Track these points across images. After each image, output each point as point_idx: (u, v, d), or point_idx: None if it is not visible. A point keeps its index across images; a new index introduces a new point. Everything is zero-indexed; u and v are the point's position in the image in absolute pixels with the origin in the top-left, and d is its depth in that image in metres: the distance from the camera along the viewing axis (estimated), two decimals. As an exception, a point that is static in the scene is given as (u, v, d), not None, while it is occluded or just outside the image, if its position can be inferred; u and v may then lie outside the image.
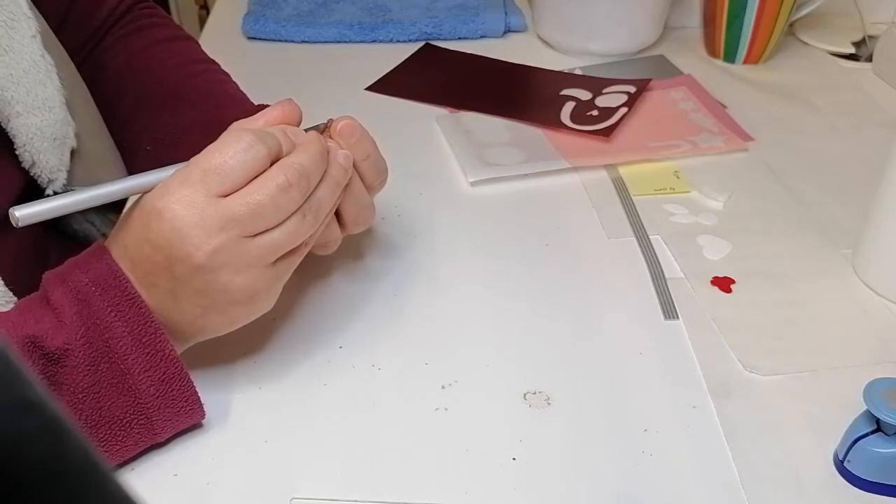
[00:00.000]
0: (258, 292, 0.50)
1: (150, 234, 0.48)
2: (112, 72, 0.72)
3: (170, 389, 0.49)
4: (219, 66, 0.74)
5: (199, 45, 0.77)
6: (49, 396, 0.21)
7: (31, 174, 0.61)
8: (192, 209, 0.47)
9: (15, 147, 0.60)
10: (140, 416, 0.48)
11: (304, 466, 0.50)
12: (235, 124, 0.53)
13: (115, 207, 0.72)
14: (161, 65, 0.72)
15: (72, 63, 0.67)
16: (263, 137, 0.49)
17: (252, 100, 0.70)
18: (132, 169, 0.73)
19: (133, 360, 0.47)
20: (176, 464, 0.50)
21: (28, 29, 0.60)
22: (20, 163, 0.61)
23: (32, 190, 0.63)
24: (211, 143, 0.66)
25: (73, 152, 0.63)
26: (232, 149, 0.48)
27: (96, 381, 0.47)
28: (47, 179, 0.62)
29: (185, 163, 0.50)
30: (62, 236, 0.71)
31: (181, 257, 0.48)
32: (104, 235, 0.72)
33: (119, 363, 0.47)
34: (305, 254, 0.53)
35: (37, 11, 0.62)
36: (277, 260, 0.50)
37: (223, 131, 0.66)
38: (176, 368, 0.49)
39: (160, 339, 0.48)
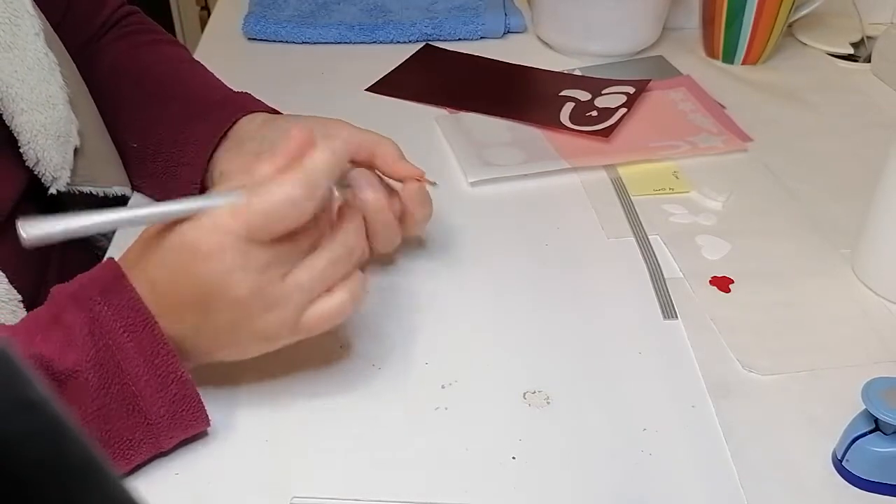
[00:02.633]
0: (282, 337, 0.50)
1: (193, 270, 0.46)
2: (99, 74, 0.72)
3: (179, 410, 0.48)
4: (202, 65, 0.74)
5: (185, 49, 0.77)
6: (50, 396, 0.22)
7: (35, 172, 0.61)
8: (238, 255, 0.46)
9: (19, 144, 0.60)
10: (148, 435, 0.48)
11: (304, 466, 0.51)
12: (263, 165, 0.49)
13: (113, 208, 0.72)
14: (143, 65, 0.72)
15: (73, 63, 0.67)
16: (313, 192, 0.46)
17: (247, 99, 0.69)
18: (126, 169, 0.73)
19: (144, 382, 0.47)
20: (176, 464, 0.50)
21: (31, 27, 0.60)
22: (24, 160, 0.60)
23: (37, 188, 0.63)
24: (191, 130, 0.65)
25: (76, 151, 0.63)
26: (280, 199, 0.46)
27: (105, 404, 0.46)
28: (51, 177, 0.62)
29: (223, 195, 0.47)
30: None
31: (221, 297, 0.47)
32: (105, 236, 0.72)
33: (130, 385, 0.46)
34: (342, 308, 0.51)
35: (39, 10, 0.62)
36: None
37: (202, 118, 0.65)
38: (187, 390, 0.48)
39: (172, 362, 0.47)
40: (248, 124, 0.64)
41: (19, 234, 0.44)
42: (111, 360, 0.46)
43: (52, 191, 0.62)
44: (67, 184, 0.63)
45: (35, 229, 0.44)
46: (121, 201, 0.70)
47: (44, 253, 0.67)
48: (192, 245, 0.46)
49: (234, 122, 0.64)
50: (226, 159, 0.63)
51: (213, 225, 0.46)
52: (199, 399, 0.49)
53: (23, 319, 0.49)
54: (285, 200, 0.46)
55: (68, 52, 0.71)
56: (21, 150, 0.60)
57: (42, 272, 0.66)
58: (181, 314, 0.48)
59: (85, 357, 0.46)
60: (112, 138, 0.71)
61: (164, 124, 0.68)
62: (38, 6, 0.63)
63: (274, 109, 0.67)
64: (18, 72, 0.58)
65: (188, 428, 0.49)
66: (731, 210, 0.72)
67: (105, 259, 0.49)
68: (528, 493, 0.49)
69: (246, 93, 0.69)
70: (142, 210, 0.47)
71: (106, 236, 0.72)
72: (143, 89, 0.70)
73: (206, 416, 0.49)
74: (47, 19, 0.65)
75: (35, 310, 0.49)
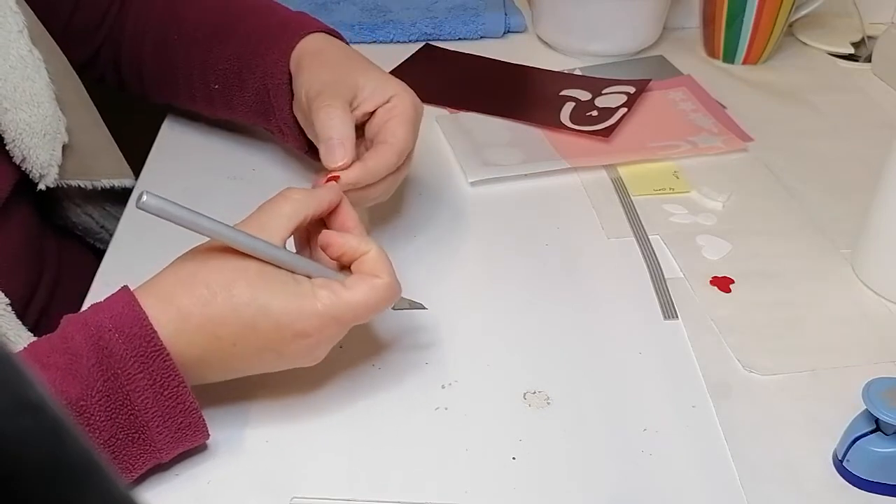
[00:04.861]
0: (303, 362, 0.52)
1: (275, 342, 0.48)
2: (144, 31, 0.73)
3: (185, 435, 0.48)
4: None
5: None
6: (49, 397, 0.22)
7: (22, 169, 0.61)
8: (328, 335, 0.49)
9: (4, 142, 0.59)
10: (152, 458, 0.47)
11: (304, 466, 0.51)
12: (324, 241, 0.52)
13: (113, 200, 0.72)
14: (194, 1, 0.72)
15: (64, 56, 0.67)
16: (398, 291, 0.51)
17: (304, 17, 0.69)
18: (208, 110, 0.73)
19: (153, 413, 0.46)
20: (177, 464, 0.50)
21: (14, 24, 0.59)
22: (11, 158, 0.60)
23: (29, 182, 0.63)
24: (262, 55, 0.66)
25: (65, 147, 0.63)
26: (376, 311, 0.50)
27: (113, 434, 0.45)
28: (39, 174, 0.61)
29: (328, 272, 0.50)
30: (60, 231, 0.71)
31: (279, 350, 0.49)
32: (103, 228, 0.72)
33: (138, 416, 0.46)
34: None
35: (25, 6, 0.62)
36: None
37: (268, 42, 0.66)
38: (194, 417, 0.47)
39: (182, 393, 0.46)
40: (312, 43, 0.66)
41: (139, 197, 0.46)
42: (120, 389, 0.45)
43: (41, 187, 0.62)
44: (55, 179, 0.62)
45: (154, 199, 0.46)
46: (118, 193, 0.70)
47: (37, 251, 0.67)
48: (288, 324, 0.48)
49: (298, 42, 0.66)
50: (310, 77, 0.63)
51: (315, 312, 0.48)
52: (203, 421, 0.48)
53: (29, 345, 0.47)
54: (379, 302, 0.50)
55: (88, 26, 0.71)
56: (7, 149, 0.59)
57: (37, 272, 0.66)
58: (214, 347, 0.48)
59: (91, 388, 0.44)
60: (187, 87, 0.72)
61: (237, 59, 0.68)
62: None
63: (329, 29, 0.69)
64: (0, 71, 0.58)
65: (189, 445, 0.49)
66: (732, 210, 0.72)
67: (120, 288, 0.48)
68: (528, 493, 0.49)
69: (300, 12, 0.70)
70: (253, 242, 0.48)
71: (105, 229, 0.72)
72: (205, 27, 0.71)
73: (207, 431, 0.49)
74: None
75: (43, 337, 0.47)
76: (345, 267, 0.52)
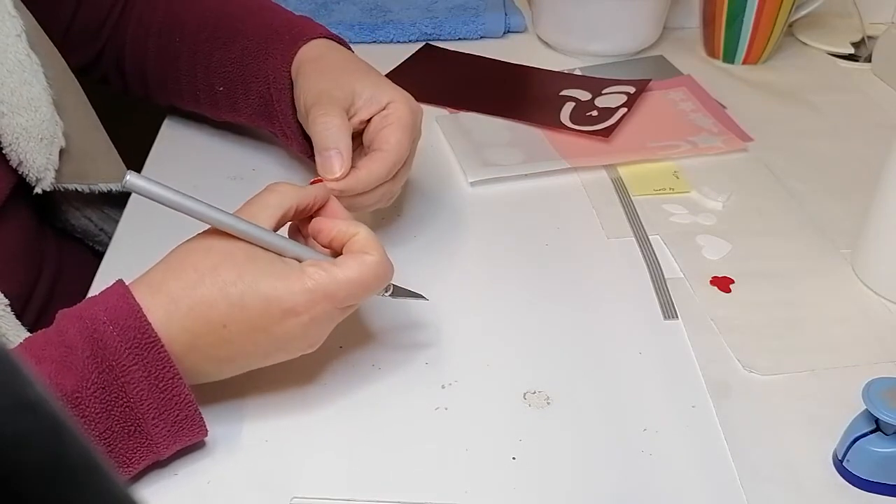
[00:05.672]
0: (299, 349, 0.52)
1: (266, 320, 0.48)
2: (146, 35, 0.73)
3: (182, 429, 0.48)
4: None
5: None
6: (49, 396, 0.22)
7: (20, 173, 0.61)
8: (319, 313, 0.49)
9: (2, 147, 0.59)
10: (149, 453, 0.47)
11: (304, 466, 0.51)
12: (314, 227, 0.53)
13: (111, 203, 0.72)
14: (192, 13, 0.72)
15: (62, 60, 0.67)
16: (391, 270, 0.52)
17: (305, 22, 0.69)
18: (212, 112, 0.73)
19: (148, 405, 0.46)
20: (176, 463, 0.50)
21: (13, 28, 0.59)
22: (8, 162, 0.60)
23: (25, 188, 0.63)
24: (264, 59, 0.66)
25: (62, 151, 0.63)
26: (369, 288, 0.50)
27: (108, 427, 0.45)
28: (35, 178, 0.61)
29: (315, 254, 0.51)
30: (59, 233, 0.71)
31: (270, 333, 0.49)
32: (102, 230, 0.72)
33: (134, 409, 0.46)
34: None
35: (24, 10, 0.62)
36: None
37: (270, 47, 0.66)
38: (190, 410, 0.47)
39: (178, 384, 0.46)
40: (313, 50, 0.66)
41: (124, 178, 0.46)
42: (115, 382, 0.45)
43: (38, 190, 0.62)
44: (53, 182, 0.62)
45: (139, 180, 0.46)
46: (116, 196, 0.70)
47: (36, 254, 0.67)
48: (277, 300, 0.48)
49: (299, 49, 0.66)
50: (308, 85, 0.63)
51: (304, 288, 0.48)
52: (200, 415, 0.48)
53: (25, 340, 0.47)
54: (370, 279, 0.50)
55: (90, 28, 0.71)
56: (4, 153, 0.59)
57: (36, 273, 0.66)
58: (205, 330, 0.48)
59: (86, 380, 0.44)
60: (189, 82, 0.72)
61: (240, 60, 0.68)
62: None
63: (331, 34, 0.68)
64: None
65: (187, 440, 0.49)
66: (732, 210, 0.72)
67: (114, 282, 0.48)
68: (528, 493, 0.49)
69: (302, 16, 0.70)
70: (241, 224, 0.49)
71: (104, 231, 0.72)
72: (207, 29, 0.70)
73: (206, 428, 0.49)
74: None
75: (39, 331, 0.48)
76: (337, 256, 0.52)
